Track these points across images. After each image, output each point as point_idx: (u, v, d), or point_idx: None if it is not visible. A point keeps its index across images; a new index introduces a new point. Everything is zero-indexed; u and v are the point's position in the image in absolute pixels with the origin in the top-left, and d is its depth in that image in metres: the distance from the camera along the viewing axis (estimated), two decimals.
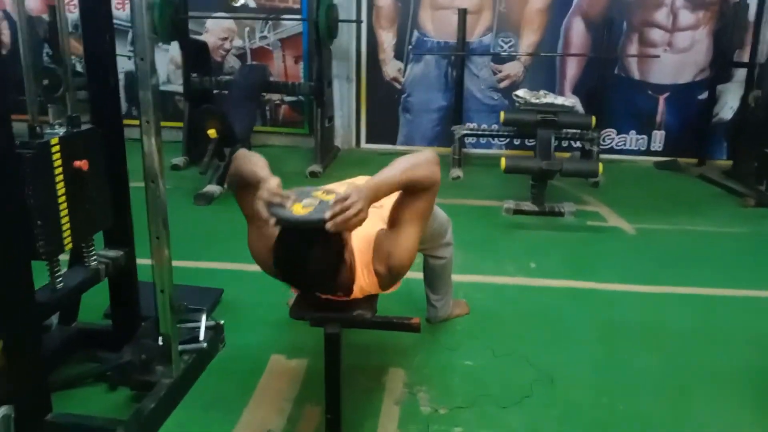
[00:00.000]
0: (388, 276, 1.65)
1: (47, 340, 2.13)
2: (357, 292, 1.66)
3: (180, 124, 4.93)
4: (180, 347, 2.03)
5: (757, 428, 1.92)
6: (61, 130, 1.77)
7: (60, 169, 1.72)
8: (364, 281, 1.64)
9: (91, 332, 2.25)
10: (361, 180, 2.09)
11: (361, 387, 2.07)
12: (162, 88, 5.30)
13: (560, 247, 3.35)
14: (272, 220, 1.44)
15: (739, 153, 4.74)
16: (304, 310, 1.66)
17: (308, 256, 1.48)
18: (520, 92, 3.71)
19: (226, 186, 4.10)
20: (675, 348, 2.36)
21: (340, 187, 1.69)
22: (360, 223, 1.46)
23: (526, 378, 2.14)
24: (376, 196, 1.52)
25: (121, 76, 5.20)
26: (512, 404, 2.00)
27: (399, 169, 1.58)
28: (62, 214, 1.75)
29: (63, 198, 1.75)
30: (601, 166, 3.49)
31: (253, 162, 1.67)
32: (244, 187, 1.70)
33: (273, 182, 1.52)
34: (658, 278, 2.95)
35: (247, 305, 2.60)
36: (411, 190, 1.61)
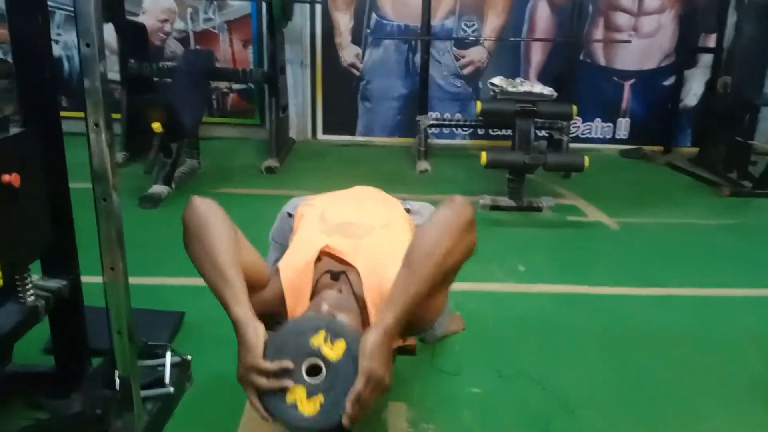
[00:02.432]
0: (409, 333, 1.37)
1: None
2: None
3: (117, 116, 4.46)
4: (141, 393, 1.70)
5: None
6: None
7: None
8: None
9: (30, 375, 1.87)
10: (363, 192, 1.78)
11: (359, 427, 1.78)
12: None
13: (545, 246, 3.15)
14: (269, 419, 1.11)
15: (705, 140, 4.68)
16: None
17: None
18: (496, 80, 3.48)
19: (174, 187, 3.72)
20: (683, 356, 2.19)
21: (339, 307, 1.28)
22: (386, 392, 1.14)
23: (540, 404, 1.91)
24: (399, 330, 1.18)
25: None
26: None
27: (427, 271, 1.17)
28: None
29: None
30: (587, 159, 3.30)
31: (215, 261, 1.24)
32: None
33: (256, 349, 1.12)
34: (651, 279, 2.78)
35: (212, 328, 2.25)
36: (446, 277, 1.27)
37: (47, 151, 1.60)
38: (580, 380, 2.03)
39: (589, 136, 5.04)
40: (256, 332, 1.14)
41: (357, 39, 4.85)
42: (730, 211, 3.74)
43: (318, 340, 1.12)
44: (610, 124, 5.01)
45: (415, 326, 1.32)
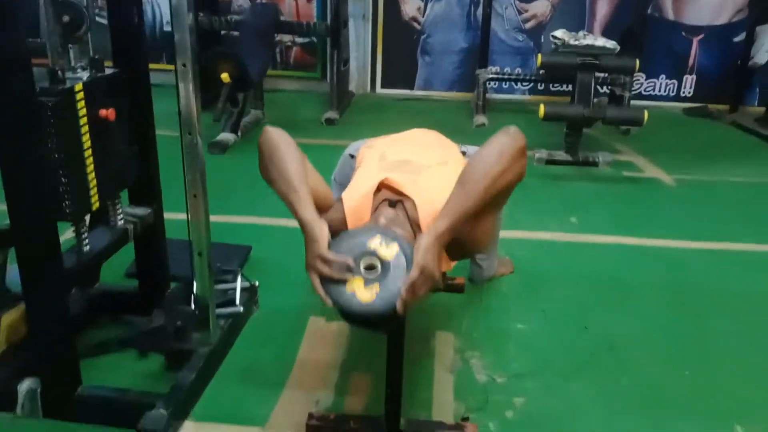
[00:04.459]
0: (460, 255, 1.48)
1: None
2: None
3: None
4: (215, 311, 1.89)
5: None
6: (84, 75, 1.57)
7: (85, 119, 1.53)
8: None
9: (116, 294, 2.10)
10: (423, 135, 1.87)
11: (409, 353, 1.90)
12: (166, 28, 5.01)
13: (599, 199, 3.18)
14: (329, 302, 1.24)
15: None
16: None
17: (380, 324, 1.32)
18: (558, 33, 3.47)
19: (240, 134, 3.90)
20: (746, 311, 2.22)
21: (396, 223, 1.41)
22: (437, 287, 1.27)
23: (585, 343, 2.01)
24: (449, 240, 1.28)
25: None
26: (574, 372, 1.87)
27: (480, 187, 1.26)
28: (89, 169, 1.57)
29: (89, 152, 1.56)
30: (646, 113, 3.29)
31: (286, 177, 1.38)
32: None
33: (321, 241, 1.26)
34: (710, 234, 2.79)
35: (276, 262, 2.44)
36: (497, 197, 1.34)
37: (136, 91, 1.77)
38: (630, 327, 2.11)
39: (652, 93, 4.94)
40: (321, 229, 1.29)
41: None
42: None
43: (374, 243, 1.27)
44: (675, 81, 4.89)
45: (467, 247, 1.44)
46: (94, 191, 1.60)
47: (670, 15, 4.75)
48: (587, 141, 3.88)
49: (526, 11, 4.81)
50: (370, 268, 1.25)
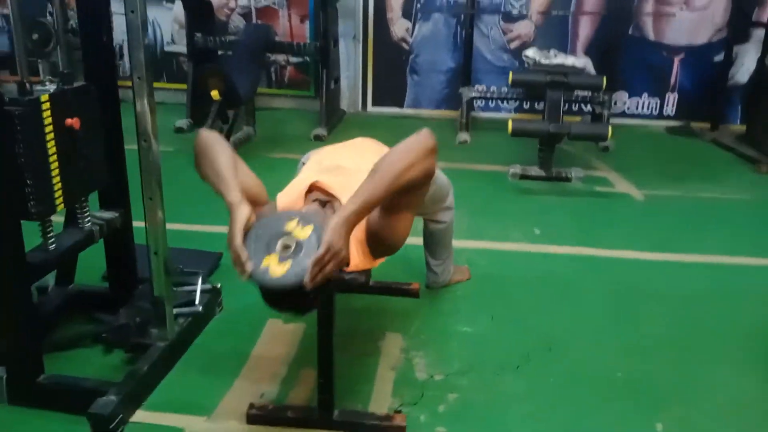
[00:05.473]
0: (381, 253, 1.60)
1: (43, 301, 2.13)
2: (351, 268, 1.61)
3: (185, 86, 4.85)
4: (175, 310, 2.03)
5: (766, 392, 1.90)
6: (53, 87, 1.73)
7: (51, 127, 1.69)
8: (358, 259, 1.58)
9: (87, 294, 2.24)
10: (361, 143, 2.02)
11: (356, 351, 2.05)
12: (166, 48, 5.22)
13: (566, 212, 3.29)
14: (245, 275, 1.35)
15: (754, 117, 4.62)
16: None
17: (294, 302, 1.43)
18: (530, 52, 3.61)
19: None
20: (681, 314, 2.33)
21: (314, 206, 1.57)
22: (343, 263, 1.39)
23: (525, 344, 2.12)
24: (356, 222, 1.41)
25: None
26: (509, 370, 1.98)
27: (388, 177, 1.39)
28: (54, 173, 1.72)
29: (54, 157, 1.71)
30: (610, 129, 3.40)
31: (216, 169, 1.51)
32: None
33: (238, 223, 1.37)
34: (664, 245, 2.89)
35: None
36: (405, 190, 1.46)
37: (104, 103, 1.92)
38: (571, 328, 2.22)
39: (635, 111, 5.04)
40: (241, 212, 1.41)
41: (407, 14, 5.04)
42: (763, 186, 3.74)
43: (291, 226, 1.40)
44: (657, 99, 5.00)
45: (386, 241, 1.57)
46: (58, 194, 1.74)
47: (651, 35, 4.87)
48: (565, 157, 4.01)
49: (511, 31, 4.96)
50: (286, 247, 1.37)
